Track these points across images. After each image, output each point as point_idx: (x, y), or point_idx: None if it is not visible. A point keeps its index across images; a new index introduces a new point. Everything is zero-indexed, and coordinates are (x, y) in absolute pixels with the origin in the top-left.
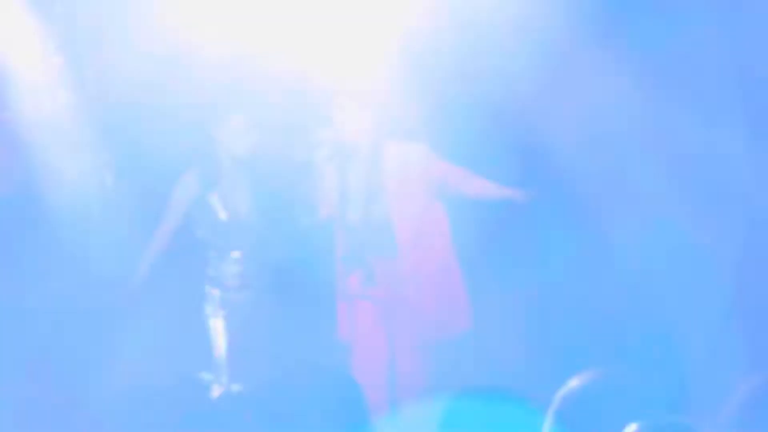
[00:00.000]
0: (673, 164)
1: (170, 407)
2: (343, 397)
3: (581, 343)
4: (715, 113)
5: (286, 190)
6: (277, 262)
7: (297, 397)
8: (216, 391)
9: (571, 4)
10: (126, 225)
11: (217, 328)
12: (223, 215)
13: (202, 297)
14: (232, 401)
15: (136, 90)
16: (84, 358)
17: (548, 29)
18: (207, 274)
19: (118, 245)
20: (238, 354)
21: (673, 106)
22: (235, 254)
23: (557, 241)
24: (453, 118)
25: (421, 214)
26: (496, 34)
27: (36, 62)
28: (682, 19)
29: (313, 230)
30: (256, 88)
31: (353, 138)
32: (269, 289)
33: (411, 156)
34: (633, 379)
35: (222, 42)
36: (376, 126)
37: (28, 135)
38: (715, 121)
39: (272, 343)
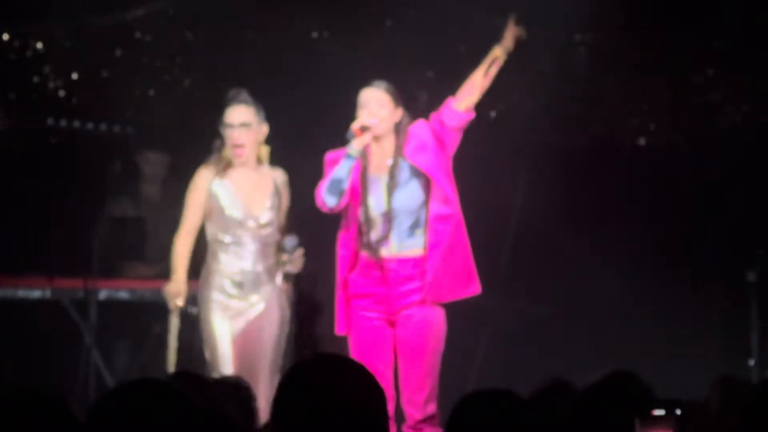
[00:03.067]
0: None
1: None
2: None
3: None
4: None
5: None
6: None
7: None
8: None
9: None
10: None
11: (223, 328)
12: (231, 211)
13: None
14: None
15: None
16: None
17: None
18: (213, 269)
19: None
20: (243, 361)
21: None
22: (244, 252)
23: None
24: None
25: (446, 188)
26: None
27: None
28: None
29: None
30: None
31: (381, 129)
32: (279, 290)
33: (421, 132)
34: None
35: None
36: (398, 115)
37: None
38: None
39: (280, 346)
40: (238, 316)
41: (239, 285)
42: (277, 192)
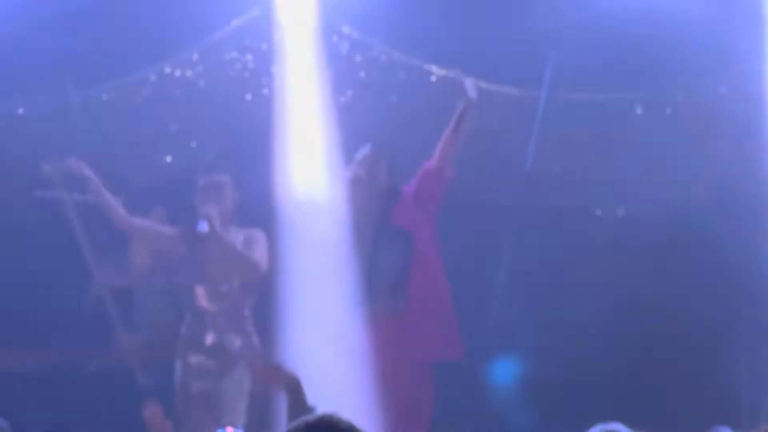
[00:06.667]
0: None
1: None
2: None
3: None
4: None
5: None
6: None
7: None
8: None
9: None
10: None
11: (192, 392)
12: (185, 275)
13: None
14: None
15: None
16: None
17: None
18: (183, 336)
19: None
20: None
21: None
22: (210, 318)
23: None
24: None
25: (432, 247)
26: None
27: None
28: None
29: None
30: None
31: (371, 191)
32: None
33: (406, 196)
34: None
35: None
36: (389, 172)
37: None
38: None
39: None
40: (205, 380)
41: (205, 350)
42: (238, 260)
